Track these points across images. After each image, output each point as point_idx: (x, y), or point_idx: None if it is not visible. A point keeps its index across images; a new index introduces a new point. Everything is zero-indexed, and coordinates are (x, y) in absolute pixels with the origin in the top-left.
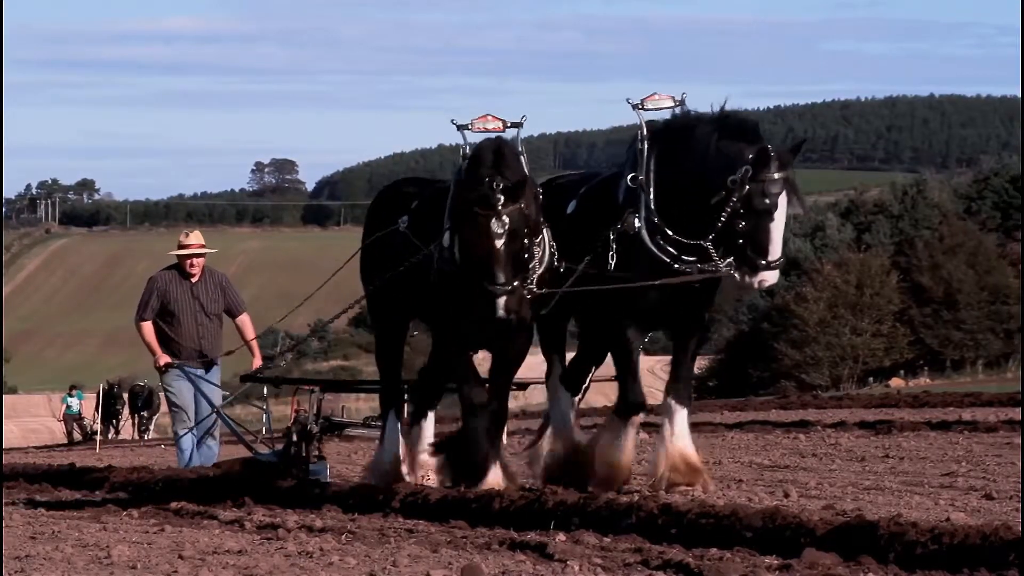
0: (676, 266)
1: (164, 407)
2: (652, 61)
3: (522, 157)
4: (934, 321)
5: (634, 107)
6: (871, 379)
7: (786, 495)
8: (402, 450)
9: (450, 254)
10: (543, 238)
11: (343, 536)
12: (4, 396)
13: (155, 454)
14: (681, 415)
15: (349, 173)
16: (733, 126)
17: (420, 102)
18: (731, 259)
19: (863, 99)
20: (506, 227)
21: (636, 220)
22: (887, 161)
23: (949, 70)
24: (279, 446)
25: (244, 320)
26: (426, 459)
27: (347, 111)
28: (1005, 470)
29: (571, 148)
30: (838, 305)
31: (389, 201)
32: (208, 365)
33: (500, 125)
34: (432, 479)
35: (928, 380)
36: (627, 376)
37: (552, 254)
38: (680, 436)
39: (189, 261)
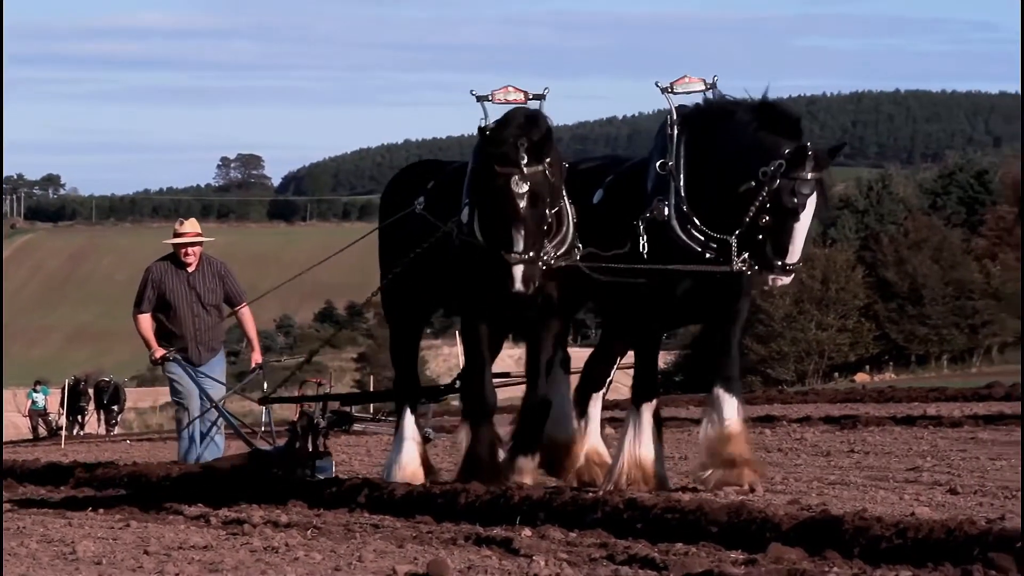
0: (708, 256)
1: (130, 402)
2: (622, 57)
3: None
4: (899, 316)
5: (663, 91)
6: (836, 374)
7: (751, 490)
8: (418, 450)
9: (469, 230)
10: (565, 211)
11: (308, 531)
12: None
13: (120, 449)
14: (731, 405)
15: (315, 168)
16: (773, 117)
17: (388, 97)
18: (747, 254)
19: (829, 94)
20: (528, 188)
21: (666, 208)
22: (852, 156)
23: (915, 65)
24: (281, 441)
25: (244, 311)
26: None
27: (314, 106)
28: (969, 465)
29: None
30: (803, 300)
31: (404, 183)
32: (209, 357)
33: (522, 96)
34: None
35: (893, 375)
36: (647, 363)
37: (575, 234)
38: (730, 428)
39: (184, 250)
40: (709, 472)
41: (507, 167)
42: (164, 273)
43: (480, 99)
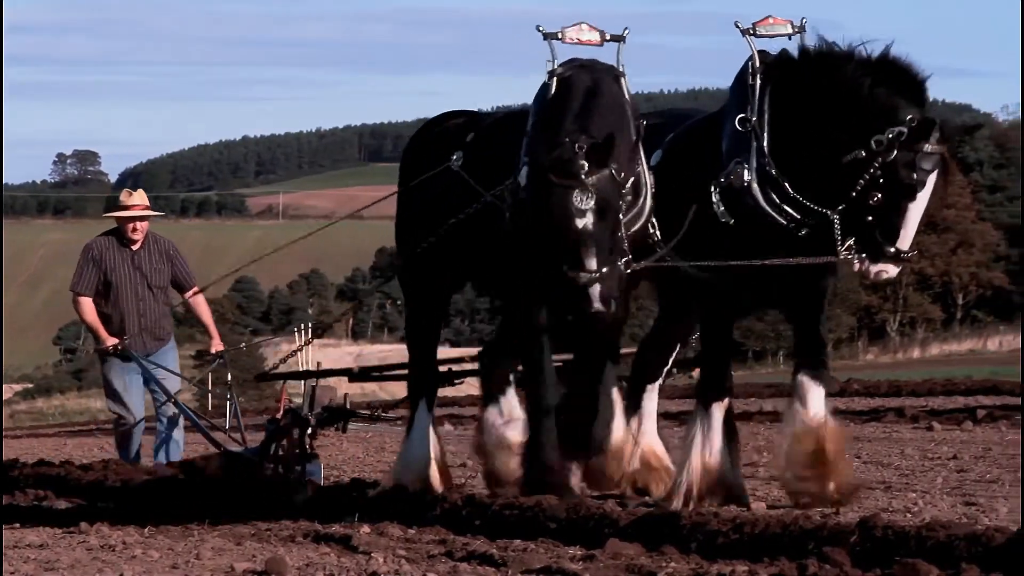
0: (799, 231)
1: None
2: (465, 53)
3: (623, 80)
4: None
5: (744, 32)
6: (675, 370)
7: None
8: (434, 450)
9: (528, 194)
10: (642, 179)
11: (146, 529)
12: None
13: None
14: (818, 394)
15: (152, 165)
16: (894, 74)
17: (225, 93)
18: (852, 240)
19: (667, 92)
20: (593, 201)
21: (745, 171)
22: None
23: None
24: (252, 440)
25: (197, 296)
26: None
27: (151, 102)
28: None
29: (377, 139)
30: (641, 296)
31: (434, 137)
32: (158, 346)
33: (597, 37)
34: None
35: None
36: (717, 355)
37: (652, 206)
38: (817, 421)
39: (131, 225)
40: (790, 476)
41: (565, 179)
42: (106, 250)
43: (548, 37)
